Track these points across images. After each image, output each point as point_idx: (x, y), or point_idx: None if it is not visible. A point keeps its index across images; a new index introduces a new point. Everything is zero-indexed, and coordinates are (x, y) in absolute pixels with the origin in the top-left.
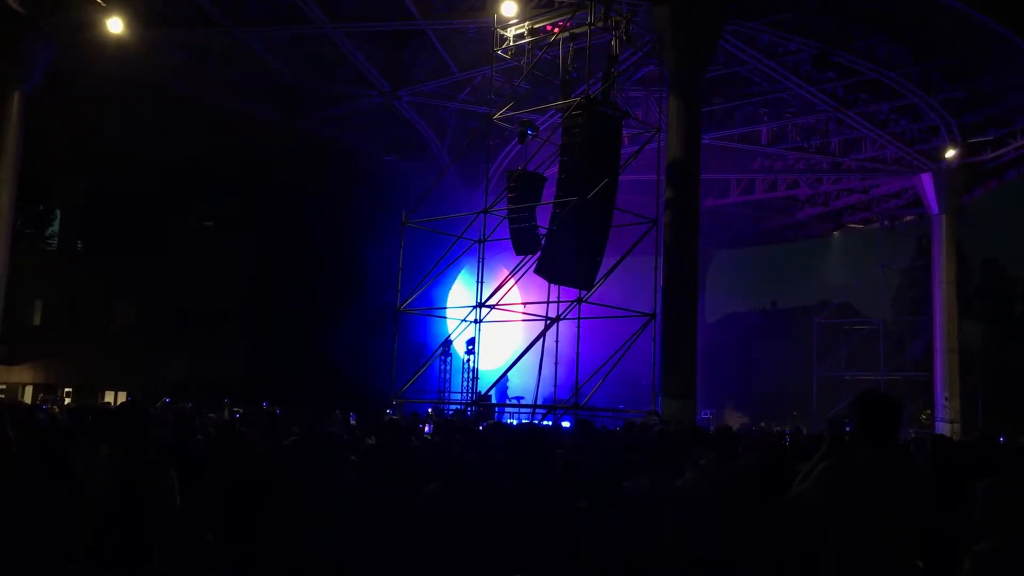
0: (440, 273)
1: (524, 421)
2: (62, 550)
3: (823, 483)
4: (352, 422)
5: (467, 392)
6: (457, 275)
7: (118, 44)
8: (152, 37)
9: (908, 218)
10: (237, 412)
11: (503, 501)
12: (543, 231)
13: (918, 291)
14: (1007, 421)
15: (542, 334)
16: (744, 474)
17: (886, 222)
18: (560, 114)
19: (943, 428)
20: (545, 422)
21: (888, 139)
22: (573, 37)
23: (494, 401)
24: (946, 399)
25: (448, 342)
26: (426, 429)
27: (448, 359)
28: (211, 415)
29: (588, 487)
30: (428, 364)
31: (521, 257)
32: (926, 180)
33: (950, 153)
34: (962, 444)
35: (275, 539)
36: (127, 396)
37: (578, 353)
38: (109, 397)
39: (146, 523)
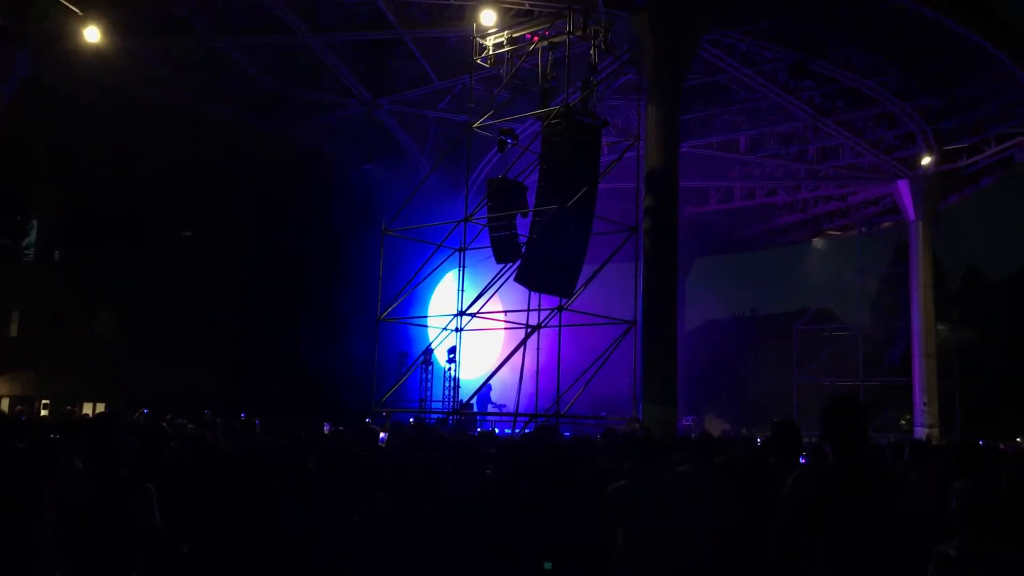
0: (421, 282)
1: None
2: (37, 561)
3: (790, 492)
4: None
5: (448, 401)
6: (438, 283)
7: (98, 53)
8: (132, 46)
9: (886, 224)
10: (218, 423)
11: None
12: (524, 239)
13: (896, 296)
14: (985, 425)
15: (523, 342)
16: (728, 480)
17: (864, 228)
18: (540, 123)
19: (921, 432)
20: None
21: (865, 146)
22: (552, 46)
23: (475, 410)
24: (924, 404)
25: (429, 351)
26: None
27: (429, 368)
28: (190, 426)
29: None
30: (409, 373)
31: (502, 265)
32: (903, 187)
33: (926, 160)
34: (940, 448)
35: (247, 548)
36: (106, 408)
37: (559, 360)
38: (88, 409)
39: (122, 537)
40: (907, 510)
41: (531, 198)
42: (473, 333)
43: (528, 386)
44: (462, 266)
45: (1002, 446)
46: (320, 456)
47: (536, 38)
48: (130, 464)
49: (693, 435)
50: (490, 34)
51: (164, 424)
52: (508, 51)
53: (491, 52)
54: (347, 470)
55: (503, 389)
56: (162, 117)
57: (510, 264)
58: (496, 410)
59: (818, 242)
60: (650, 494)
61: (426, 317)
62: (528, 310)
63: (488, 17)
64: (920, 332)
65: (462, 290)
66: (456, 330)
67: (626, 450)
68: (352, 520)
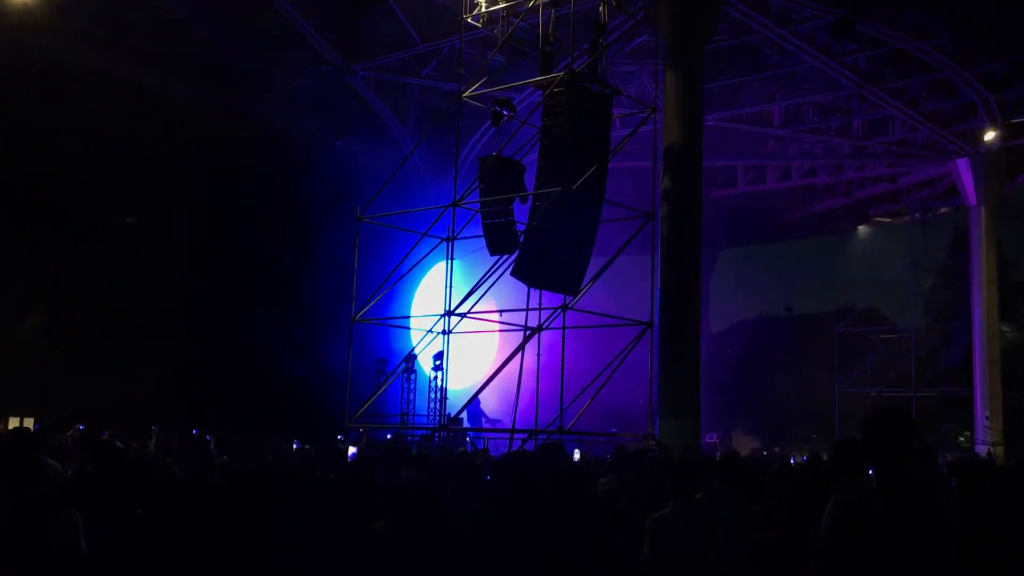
0: (402, 277)
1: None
2: None
3: (827, 515)
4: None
5: (434, 415)
6: (422, 279)
7: (23, 8)
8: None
9: (942, 210)
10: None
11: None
12: (522, 227)
13: (954, 294)
14: None
15: (521, 347)
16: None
17: (917, 215)
18: (540, 91)
19: (983, 452)
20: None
21: (919, 119)
22: (555, 3)
23: (466, 424)
24: (987, 418)
25: (412, 357)
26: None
27: (412, 377)
28: (134, 444)
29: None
30: (388, 383)
31: (497, 257)
32: (963, 166)
33: (989, 135)
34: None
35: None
36: (35, 423)
37: (563, 368)
38: (14, 423)
39: (41, 559)
40: (956, 526)
41: (530, 179)
42: (463, 336)
43: (527, 398)
44: (450, 258)
45: None
46: (288, 478)
47: None
48: (82, 486)
49: (717, 454)
50: None
51: (118, 444)
52: (503, 8)
53: (484, 10)
54: (314, 490)
55: (498, 401)
56: (100, 86)
57: (506, 256)
58: (490, 425)
59: (864, 230)
60: (683, 521)
61: (409, 318)
62: (527, 309)
63: None
64: (982, 334)
65: (450, 286)
66: (443, 333)
67: (641, 470)
68: (323, 543)
